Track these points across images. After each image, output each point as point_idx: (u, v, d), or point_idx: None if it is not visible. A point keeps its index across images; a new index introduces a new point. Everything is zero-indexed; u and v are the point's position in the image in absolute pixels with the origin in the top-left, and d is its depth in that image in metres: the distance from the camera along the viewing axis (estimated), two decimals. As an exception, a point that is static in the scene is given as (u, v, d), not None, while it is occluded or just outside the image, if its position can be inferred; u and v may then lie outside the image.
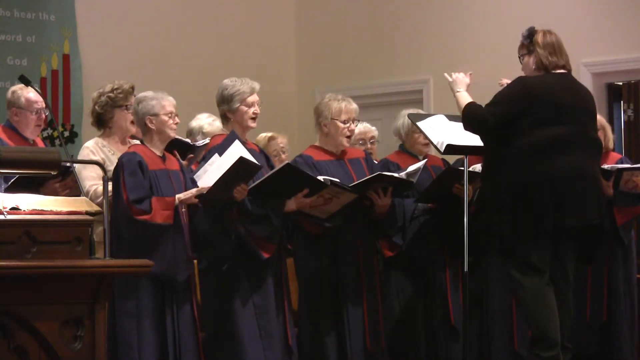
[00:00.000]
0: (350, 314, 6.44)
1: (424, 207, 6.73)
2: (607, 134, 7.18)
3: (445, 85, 6.36)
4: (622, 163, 7.18)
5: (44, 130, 8.24)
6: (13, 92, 6.27)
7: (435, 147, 6.45)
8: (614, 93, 8.66)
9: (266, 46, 10.03)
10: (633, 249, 7.27)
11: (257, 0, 10.08)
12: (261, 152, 6.46)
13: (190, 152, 6.56)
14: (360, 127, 7.18)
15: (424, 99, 9.43)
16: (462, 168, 6.46)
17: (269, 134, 7.47)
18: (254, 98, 6.24)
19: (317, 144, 6.66)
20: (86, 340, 4.38)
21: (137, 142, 6.16)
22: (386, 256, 6.73)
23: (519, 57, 6.01)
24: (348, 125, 6.54)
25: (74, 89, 8.93)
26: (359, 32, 9.88)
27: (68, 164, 5.75)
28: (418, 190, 6.69)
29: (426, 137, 6.60)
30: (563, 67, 5.93)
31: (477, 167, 6.53)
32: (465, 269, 6.33)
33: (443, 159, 7.05)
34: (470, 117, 5.93)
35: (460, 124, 6.20)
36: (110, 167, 5.98)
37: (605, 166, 6.87)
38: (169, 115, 5.94)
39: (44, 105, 6.25)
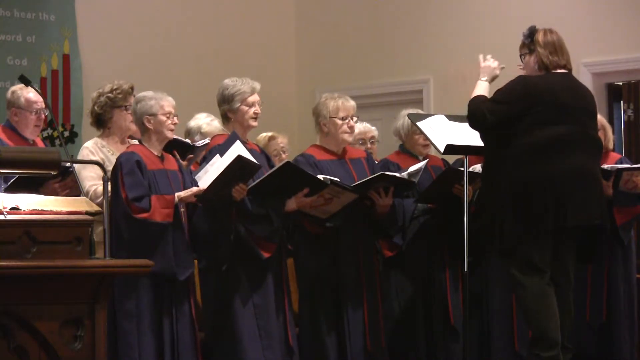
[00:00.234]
0: (350, 314, 6.44)
1: (424, 207, 6.73)
2: (608, 134, 7.17)
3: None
4: (621, 163, 7.18)
5: (44, 130, 8.25)
6: (13, 92, 6.27)
7: (435, 147, 6.45)
8: (614, 93, 8.66)
9: (266, 46, 10.03)
10: (633, 249, 7.27)
11: (257, 0, 10.08)
12: (262, 152, 6.46)
13: (190, 153, 6.56)
14: (360, 127, 7.17)
15: (424, 99, 9.43)
16: (462, 168, 6.46)
17: (270, 134, 7.47)
18: (254, 98, 6.24)
19: (318, 143, 6.66)
20: (86, 340, 4.38)
21: (136, 142, 6.16)
22: (386, 256, 6.73)
23: (520, 57, 6.01)
24: (347, 121, 6.55)
25: (74, 89, 8.92)
26: (359, 32, 9.88)
27: (68, 164, 5.74)
28: (418, 190, 6.69)
29: (426, 137, 6.60)
30: (564, 67, 5.92)
31: (477, 168, 6.52)
32: (465, 269, 6.32)
33: (443, 159, 7.05)
34: (471, 112, 5.93)
35: (460, 124, 6.20)
36: (110, 167, 5.97)
37: (605, 166, 6.87)
38: (168, 115, 5.94)
39: (43, 106, 6.25)
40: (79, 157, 6.40)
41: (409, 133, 6.92)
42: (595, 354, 7.15)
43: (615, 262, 7.18)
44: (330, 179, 6.23)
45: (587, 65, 8.47)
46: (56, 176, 5.73)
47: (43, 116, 6.28)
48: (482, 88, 6.07)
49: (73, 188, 5.92)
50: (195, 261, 6.14)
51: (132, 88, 6.41)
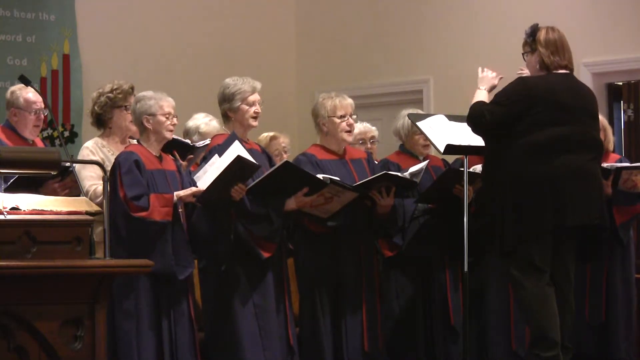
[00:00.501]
0: (349, 315, 6.44)
1: (424, 207, 6.73)
2: (608, 136, 7.17)
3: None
4: (621, 163, 7.17)
5: (44, 130, 8.25)
6: (12, 93, 6.27)
7: (435, 147, 6.45)
8: (614, 93, 8.66)
9: (266, 46, 10.02)
10: (632, 249, 7.27)
11: (257, 0, 10.08)
12: (263, 152, 6.45)
13: (190, 153, 6.56)
14: (360, 127, 7.17)
15: (424, 99, 9.43)
16: (462, 168, 6.46)
17: (271, 134, 7.47)
18: (255, 97, 6.24)
19: (318, 142, 6.66)
20: (86, 340, 4.38)
21: (136, 142, 6.16)
22: (386, 256, 6.73)
23: (522, 55, 6.00)
24: (346, 119, 6.54)
25: (74, 89, 8.92)
26: (358, 32, 9.88)
27: (67, 164, 5.74)
28: (418, 190, 6.69)
29: (426, 137, 6.60)
30: (565, 67, 5.91)
31: (478, 168, 6.52)
32: (465, 269, 6.32)
33: (443, 160, 7.05)
34: (470, 115, 5.94)
35: (460, 124, 6.20)
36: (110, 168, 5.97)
37: (604, 165, 6.87)
38: (167, 116, 5.94)
39: (42, 106, 6.24)
40: (79, 157, 6.40)
41: (409, 133, 6.92)
42: (594, 354, 7.16)
43: (614, 262, 7.18)
44: (330, 178, 6.23)
45: (587, 65, 8.47)
46: (56, 176, 5.73)
47: (42, 116, 6.28)
48: (481, 96, 6.08)
49: (73, 188, 5.92)
50: (195, 261, 6.15)
51: (132, 88, 6.41)
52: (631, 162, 7.40)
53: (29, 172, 4.90)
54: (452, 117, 6.59)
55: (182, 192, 5.86)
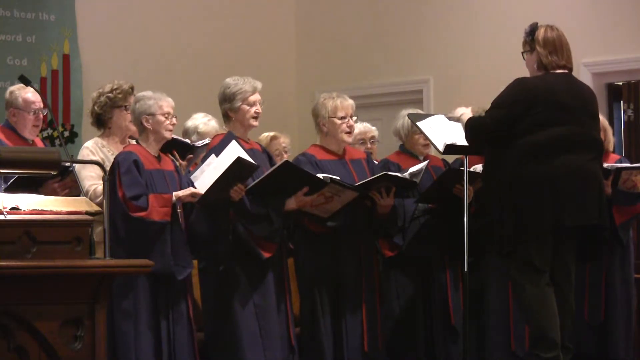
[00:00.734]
0: (349, 315, 6.44)
1: (424, 207, 6.73)
2: (608, 136, 7.17)
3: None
4: (621, 164, 7.17)
5: (44, 130, 8.25)
6: (11, 93, 6.27)
7: (435, 147, 6.44)
8: (614, 93, 8.66)
9: (266, 46, 10.02)
10: (631, 249, 7.27)
11: (257, 0, 10.08)
12: (264, 151, 6.45)
13: (190, 153, 6.56)
14: (360, 127, 7.17)
15: (424, 99, 9.43)
16: (462, 168, 6.46)
17: (271, 134, 7.47)
18: (255, 97, 6.24)
19: (318, 143, 6.66)
20: (86, 340, 4.38)
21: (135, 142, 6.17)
22: (386, 256, 6.73)
23: (522, 54, 5.99)
24: (346, 120, 6.54)
25: (74, 89, 8.92)
26: (358, 32, 9.88)
27: (67, 164, 5.74)
28: (419, 190, 6.68)
29: (426, 137, 6.59)
30: (564, 67, 5.89)
31: (478, 168, 6.52)
32: (465, 269, 6.32)
33: (443, 160, 7.05)
34: (472, 126, 5.93)
35: (460, 124, 6.20)
36: (110, 167, 5.98)
37: (604, 165, 6.86)
38: (166, 115, 5.94)
39: (41, 106, 6.24)
40: (79, 157, 6.40)
41: (409, 133, 6.92)
42: (593, 354, 7.16)
43: (613, 262, 7.18)
44: (330, 178, 6.23)
45: (587, 65, 8.47)
46: (55, 176, 5.73)
47: (41, 116, 6.28)
48: (469, 114, 6.12)
49: (72, 188, 5.92)
50: (196, 261, 6.15)
51: (132, 88, 6.41)
52: (631, 162, 7.40)
53: (29, 172, 4.89)
54: (452, 117, 6.59)
55: (180, 193, 5.86)
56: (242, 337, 6.04)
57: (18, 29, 8.73)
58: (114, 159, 5.92)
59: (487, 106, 6.00)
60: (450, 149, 6.36)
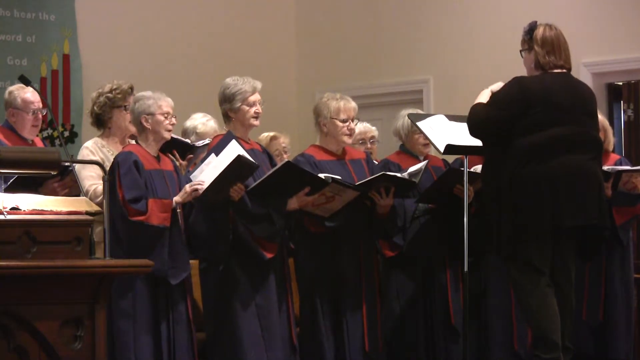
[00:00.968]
0: (349, 315, 6.43)
1: (425, 207, 6.73)
2: (608, 136, 7.16)
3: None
4: (621, 164, 7.17)
5: (44, 130, 8.26)
6: (10, 93, 6.27)
7: (435, 147, 6.44)
8: (614, 93, 8.66)
9: (266, 46, 10.03)
10: (630, 249, 7.26)
11: (257, 0, 10.08)
12: (264, 151, 6.45)
13: (190, 153, 6.56)
14: (360, 127, 7.17)
15: (424, 99, 9.43)
16: (462, 168, 6.46)
17: (271, 134, 7.47)
18: (255, 97, 6.23)
19: (317, 143, 6.65)
20: (86, 340, 4.38)
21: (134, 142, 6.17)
22: (387, 256, 6.73)
23: (520, 52, 5.99)
24: (347, 124, 6.54)
25: (74, 89, 8.92)
26: (359, 32, 9.88)
27: (67, 164, 5.74)
28: (419, 190, 6.68)
29: (426, 137, 6.59)
30: (561, 67, 5.88)
31: (478, 168, 6.52)
32: (465, 269, 6.32)
33: (443, 160, 7.04)
34: (468, 118, 5.94)
35: (461, 124, 6.19)
36: (110, 168, 5.98)
37: (605, 167, 6.86)
38: (165, 115, 5.94)
39: (40, 106, 6.24)
40: (79, 157, 6.40)
41: (409, 133, 6.91)
42: (593, 354, 7.15)
43: (612, 262, 7.17)
44: (332, 177, 6.23)
45: (587, 65, 8.47)
46: (55, 175, 5.73)
47: (40, 116, 6.28)
48: (484, 96, 6.04)
49: (72, 187, 5.93)
50: (197, 261, 6.15)
51: (131, 88, 6.41)
52: (631, 162, 7.40)
53: (29, 172, 4.89)
54: (452, 117, 6.59)
55: (179, 198, 5.86)
56: (244, 338, 6.03)
57: (18, 29, 8.73)
58: (114, 159, 5.92)
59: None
60: (451, 149, 6.36)
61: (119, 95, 6.36)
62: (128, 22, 9.27)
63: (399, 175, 6.49)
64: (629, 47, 8.40)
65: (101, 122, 6.42)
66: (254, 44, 9.91)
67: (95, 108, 6.40)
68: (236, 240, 6.03)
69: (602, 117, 6.63)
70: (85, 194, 5.84)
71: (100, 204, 4.90)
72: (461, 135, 6.32)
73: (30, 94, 6.22)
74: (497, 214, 5.80)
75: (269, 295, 6.12)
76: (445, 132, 6.46)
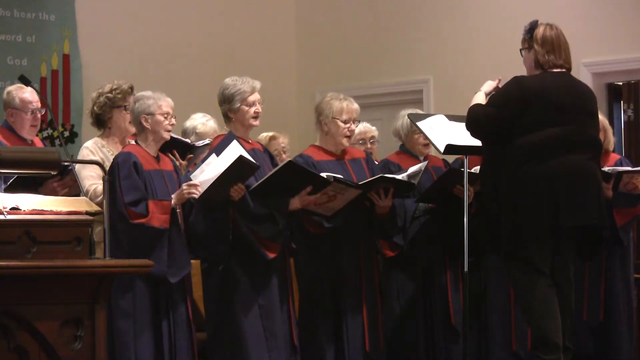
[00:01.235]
0: (350, 316, 6.43)
1: (425, 207, 6.73)
2: (608, 136, 7.16)
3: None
4: (621, 164, 7.17)
5: (44, 130, 8.26)
6: (8, 93, 6.27)
7: (435, 147, 6.44)
8: (614, 93, 8.66)
9: (266, 46, 10.03)
10: (630, 249, 7.27)
11: (257, 0, 10.08)
12: (265, 151, 6.45)
13: (190, 153, 6.56)
14: (360, 127, 7.17)
15: (424, 99, 9.43)
16: (462, 169, 6.46)
17: (271, 134, 7.48)
18: (255, 97, 6.23)
19: (317, 143, 6.65)
20: (86, 340, 4.38)
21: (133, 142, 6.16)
22: (387, 256, 6.72)
23: (520, 51, 5.98)
24: (348, 125, 6.53)
25: (74, 89, 8.93)
26: (359, 32, 9.88)
27: (67, 164, 5.74)
28: (419, 190, 6.68)
29: (426, 137, 6.59)
30: (561, 66, 5.88)
31: (478, 168, 6.51)
32: (465, 269, 6.32)
33: (443, 160, 7.04)
34: (467, 119, 5.94)
35: (461, 124, 6.19)
36: (110, 168, 5.97)
37: (605, 168, 6.86)
38: (165, 115, 5.94)
39: (39, 106, 6.24)
40: (79, 157, 6.40)
41: (409, 133, 6.91)
42: (593, 354, 7.15)
43: (612, 262, 7.18)
44: (334, 176, 6.23)
45: (587, 65, 8.48)
46: (55, 175, 5.73)
47: (39, 116, 6.28)
48: (478, 98, 6.06)
49: (72, 187, 5.93)
50: (198, 261, 6.14)
51: (131, 88, 6.41)
52: (631, 162, 7.40)
53: (29, 172, 4.89)
54: (452, 117, 6.59)
55: (174, 199, 5.86)
56: (247, 338, 6.02)
57: (18, 29, 8.74)
58: (114, 159, 5.92)
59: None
60: (451, 149, 6.36)
61: (119, 95, 6.36)
62: (128, 22, 9.27)
63: (397, 177, 6.49)
64: (629, 47, 8.40)
65: (101, 122, 6.42)
66: (254, 44, 9.92)
67: (95, 108, 6.40)
68: (238, 241, 6.02)
69: (602, 117, 6.63)
70: (85, 194, 5.84)
71: (100, 204, 4.90)
72: (461, 135, 6.32)
73: (28, 94, 6.21)
74: (496, 214, 5.79)
75: (271, 295, 6.12)
76: (445, 132, 6.46)
